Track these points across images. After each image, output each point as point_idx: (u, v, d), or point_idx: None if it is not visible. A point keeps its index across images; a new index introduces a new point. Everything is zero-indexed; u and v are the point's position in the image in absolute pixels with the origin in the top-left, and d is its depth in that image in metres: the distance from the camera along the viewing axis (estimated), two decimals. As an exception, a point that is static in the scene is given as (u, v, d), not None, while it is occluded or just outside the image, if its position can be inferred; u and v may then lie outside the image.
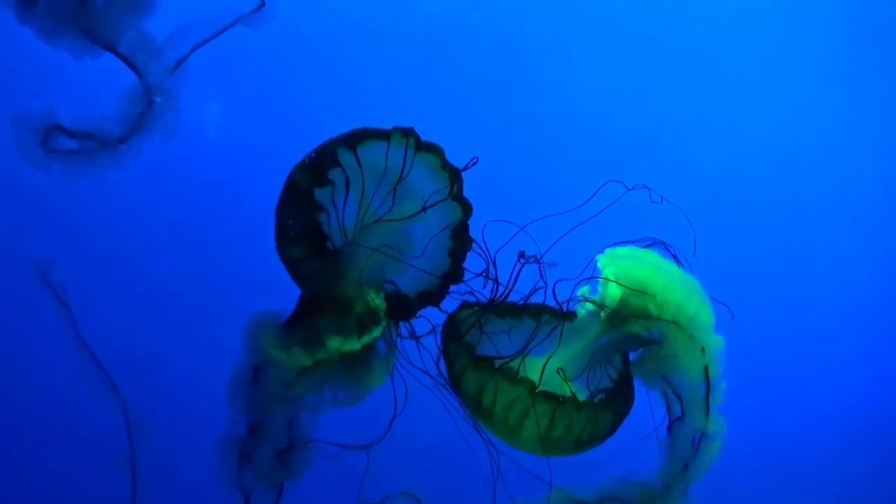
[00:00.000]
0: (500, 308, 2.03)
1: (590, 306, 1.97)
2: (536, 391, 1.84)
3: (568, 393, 1.91)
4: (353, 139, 1.93)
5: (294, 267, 1.94)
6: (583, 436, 1.86)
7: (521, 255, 1.95)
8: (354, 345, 1.86)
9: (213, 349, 2.07)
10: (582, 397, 1.97)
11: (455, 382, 1.96)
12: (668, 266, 1.92)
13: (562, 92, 3.48)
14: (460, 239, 2.01)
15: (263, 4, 1.89)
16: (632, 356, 2.01)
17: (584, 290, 2.01)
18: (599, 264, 1.95)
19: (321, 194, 1.93)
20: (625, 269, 1.91)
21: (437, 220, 2.01)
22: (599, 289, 1.97)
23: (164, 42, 1.85)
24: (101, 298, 2.89)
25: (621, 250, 1.95)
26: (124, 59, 1.81)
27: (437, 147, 1.97)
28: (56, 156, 1.81)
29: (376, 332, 1.89)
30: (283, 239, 1.92)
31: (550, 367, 1.94)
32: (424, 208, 1.98)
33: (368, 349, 1.93)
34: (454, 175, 1.98)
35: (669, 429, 2.00)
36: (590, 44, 3.54)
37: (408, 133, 1.93)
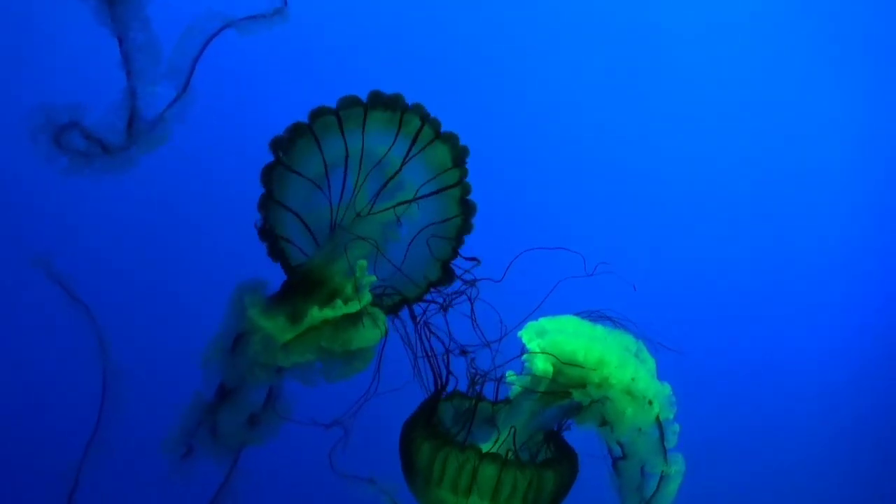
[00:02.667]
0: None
1: (523, 383, 1.90)
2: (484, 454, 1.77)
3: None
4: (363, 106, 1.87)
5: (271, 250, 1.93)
6: (528, 497, 1.80)
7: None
8: (336, 312, 1.85)
9: (203, 311, 2.06)
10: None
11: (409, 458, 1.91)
12: (595, 333, 1.86)
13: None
14: (457, 240, 1.98)
15: (276, 13, 1.88)
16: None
17: (511, 374, 1.94)
18: (524, 339, 1.88)
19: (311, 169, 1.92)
20: (552, 343, 1.84)
21: (432, 215, 1.99)
22: (529, 365, 1.89)
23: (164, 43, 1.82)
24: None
25: (544, 322, 1.89)
26: (122, 53, 1.79)
27: (453, 136, 1.91)
28: (65, 152, 1.81)
29: (362, 303, 1.87)
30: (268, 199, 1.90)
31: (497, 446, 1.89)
32: (417, 198, 1.95)
33: (355, 323, 1.90)
34: (462, 170, 1.94)
35: (615, 467, 1.97)
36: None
37: (425, 117, 1.89)
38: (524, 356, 1.90)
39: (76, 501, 2.04)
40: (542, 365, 1.86)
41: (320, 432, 2.03)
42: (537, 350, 1.85)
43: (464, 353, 1.91)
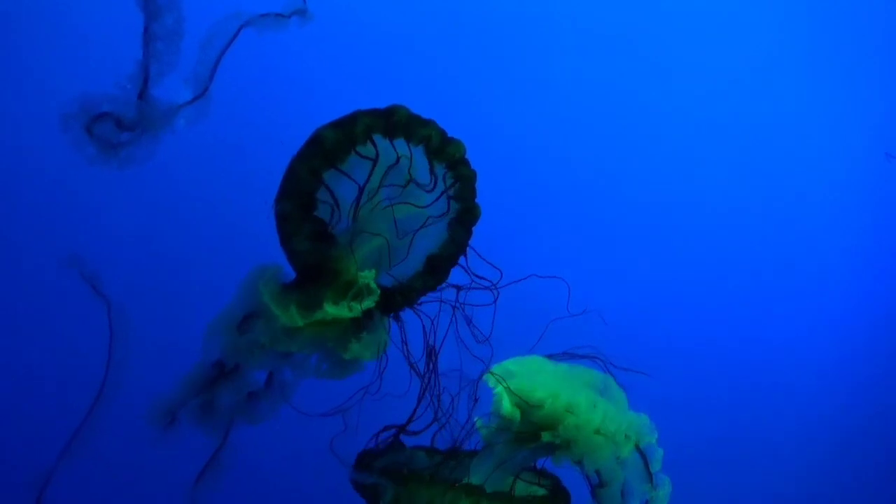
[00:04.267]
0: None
1: (492, 427, 1.87)
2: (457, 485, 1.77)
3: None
4: (390, 123, 1.85)
5: (287, 230, 1.90)
6: None
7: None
8: (347, 312, 1.85)
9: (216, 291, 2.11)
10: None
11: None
12: (562, 373, 1.84)
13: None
14: (459, 238, 1.95)
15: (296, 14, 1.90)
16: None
17: (479, 421, 1.90)
18: (490, 384, 1.85)
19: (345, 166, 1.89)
20: (519, 388, 1.81)
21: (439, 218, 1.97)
22: (497, 408, 1.86)
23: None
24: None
25: (510, 364, 1.86)
26: (147, 43, 1.79)
27: (460, 143, 1.90)
28: (91, 143, 1.79)
29: (369, 304, 1.87)
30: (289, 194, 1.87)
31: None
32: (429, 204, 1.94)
33: (361, 325, 1.91)
34: (469, 176, 1.92)
35: (594, 495, 1.94)
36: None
37: (445, 139, 1.88)
38: (492, 400, 1.88)
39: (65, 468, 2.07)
40: (509, 408, 1.85)
41: (320, 418, 2.05)
42: (504, 394, 1.84)
43: (431, 350, 1.91)
